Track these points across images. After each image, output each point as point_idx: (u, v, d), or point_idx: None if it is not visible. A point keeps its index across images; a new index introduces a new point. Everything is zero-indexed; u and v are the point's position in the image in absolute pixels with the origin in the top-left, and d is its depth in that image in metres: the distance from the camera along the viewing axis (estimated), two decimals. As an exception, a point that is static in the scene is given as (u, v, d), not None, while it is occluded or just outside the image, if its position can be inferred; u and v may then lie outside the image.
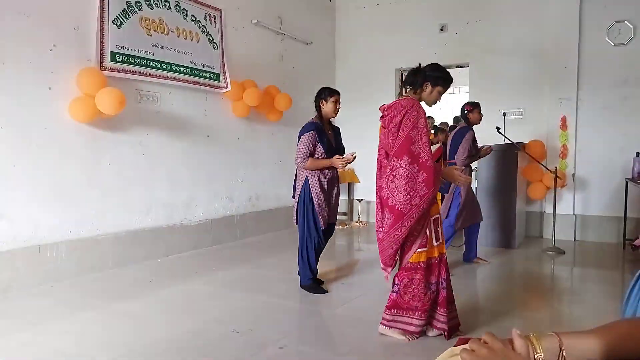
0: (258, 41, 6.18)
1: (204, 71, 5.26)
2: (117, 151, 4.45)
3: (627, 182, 5.53)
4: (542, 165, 5.71)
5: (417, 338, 2.82)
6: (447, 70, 2.93)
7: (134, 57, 4.50)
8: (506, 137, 5.61)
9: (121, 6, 4.38)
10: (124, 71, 4.41)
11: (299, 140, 3.74)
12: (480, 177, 5.69)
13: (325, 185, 3.74)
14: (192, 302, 3.53)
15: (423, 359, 2.53)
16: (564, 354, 0.87)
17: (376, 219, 2.85)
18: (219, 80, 5.45)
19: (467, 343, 0.89)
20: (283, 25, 6.57)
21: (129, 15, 4.45)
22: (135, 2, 4.51)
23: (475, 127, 6.66)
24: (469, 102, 4.84)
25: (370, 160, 7.84)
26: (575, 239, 6.08)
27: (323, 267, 4.68)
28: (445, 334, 2.80)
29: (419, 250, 2.74)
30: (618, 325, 0.91)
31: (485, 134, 6.25)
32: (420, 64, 2.90)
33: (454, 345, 0.96)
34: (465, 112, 4.70)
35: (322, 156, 3.69)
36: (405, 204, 2.63)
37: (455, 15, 6.84)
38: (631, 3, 5.78)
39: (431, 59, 7.29)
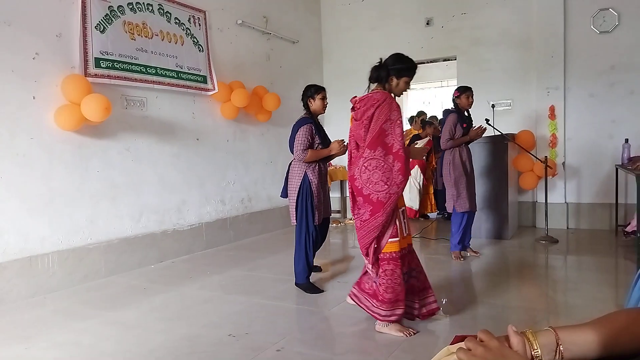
0: (244, 41, 6.14)
1: (190, 74, 5.22)
2: (105, 158, 4.40)
3: (617, 169, 5.56)
4: (532, 155, 5.73)
5: (414, 334, 2.83)
6: (410, 58, 2.96)
7: (119, 62, 4.45)
8: (495, 129, 5.62)
9: (104, 11, 4.33)
10: (109, 77, 4.36)
11: (294, 135, 3.77)
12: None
13: (322, 180, 3.80)
14: (187, 307, 3.50)
15: (421, 357, 2.52)
16: (561, 349, 0.86)
17: (351, 208, 2.96)
18: (206, 83, 5.41)
19: (463, 341, 0.88)
20: (269, 24, 6.53)
21: (111, 20, 4.40)
22: (118, 7, 4.46)
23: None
24: (457, 87, 4.83)
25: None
26: (567, 227, 6.11)
27: (319, 265, 4.66)
28: (421, 317, 2.95)
29: (391, 240, 2.82)
30: (615, 318, 0.90)
31: (475, 126, 6.27)
32: (381, 59, 2.94)
33: (450, 344, 0.95)
34: (454, 97, 4.72)
35: (319, 147, 3.79)
36: (385, 194, 2.74)
37: (440, 8, 6.84)
38: (615, -10, 5.81)
39: (418, 53, 7.35)
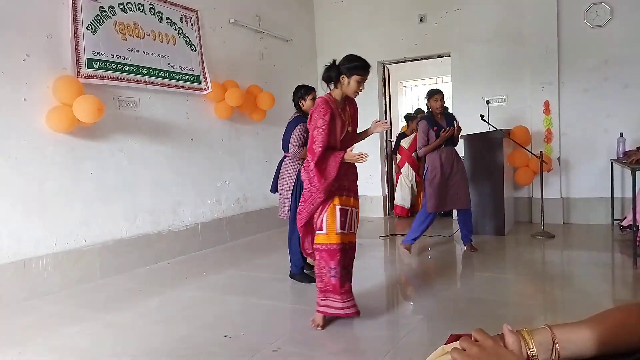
0: (237, 40, 6.11)
1: (183, 74, 5.19)
2: (98, 159, 4.37)
3: (612, 163, 5.57)
4: (528, 150, 5.72)
5: (319, 329, 2.93)
6: (362, 57, 2.97)
7: (111, 62, 4.42)
8: (490, 124, 5.63)
9: (94, 12, 4.29)
10: (101, 77, 4.32)
11: (289, 133, 3.98)
12: (467, 166, 5.68)
13: None
14: (183, 308, 3.48)
15: (416, 356, 2.51)
16: (558, 347, 0.84)
17: None
18: (199, 82, 5.38)
19: (457, 340, 0.86)
20: (262, 23, 6.50)
21: (102, 20, 4.36)
22: (109, 7, 4.42)
23: (459, 116, 6.66)
24: (428, 90, 4.90)
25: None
26: (563, 222, 6.11)
27: (313, 264, 4.65)
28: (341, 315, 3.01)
29: (317, 232, 2.98)
30: (611, 315, 0.89)
31: (469, 122, 6.26)
32: (334, 60, 3.01)
33: (445, 343, 0.94)
34: (426, 101, 4.83)
35: None
36: (307, 192, 2.98)
37: (434, 5, 6.83)
38: (607, -16, 5.81)
39: (412, 50, 7.34)
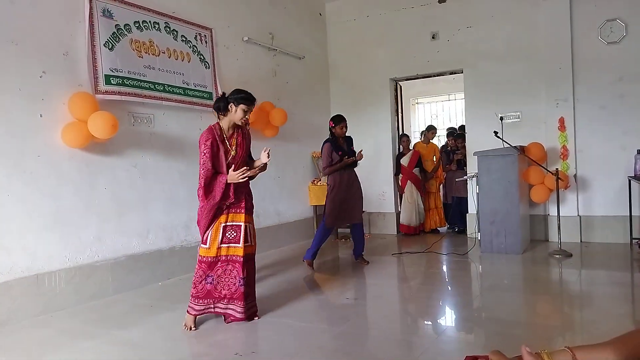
0: (250, 58, 6.17)
1: (197, 90, 5.24)
2: (112, 175, 4.40)
3: (629, 180, 5.47)
4: (543, 167, 5.65)
5: (192, 330, 3.27)
6: (247, 91, 3.39)
7: (128, 79, 4.48)
8: (505, 141, 5.58)
9: (111, 30, 4.37)
10: (119, 93, 4.38)
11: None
12: (481, 183, 5.63)
13: None
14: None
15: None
16: (580, 370, 0.81)
17: None
18: (212, 99, 5.42)
19: (475, 362, 0.83)
20: (275, 40, 6.57)
21: (119, 38, 4.44)
22: (125, 25, 4.50)
23: (474, 132, 6.64)
24: (332, 117, 5.17)
25: (368, 171, 7.81)
26: (581, 241, 5.99)
27: (327, 280, 4.61)
28: (245, 319, 3.35)
29: (201, 246, 3.35)
30: (635, 337, 0.85)
31: (483, 139, 6.23)
32: (224, 93, 3.41)
33: (462, 365, 0.91)
34: (330, 127, 5.11)
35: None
36: (200, 217, 3.37)
37: (446, 22, 6.84)
38: (621, 1, 5.77)
39: (424, 67, 7.36)
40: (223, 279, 3.35)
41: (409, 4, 7.09)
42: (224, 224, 3.33)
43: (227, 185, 3.26)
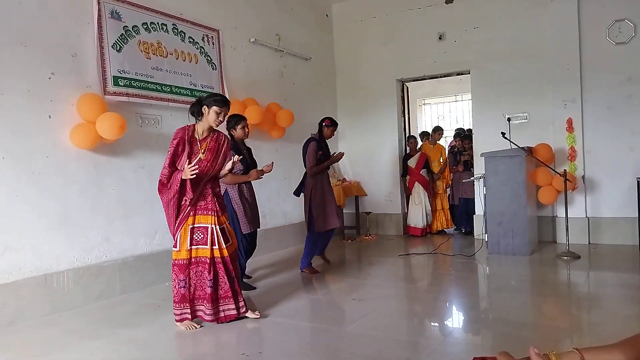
0: (257, 59, 6.19)
1: (204, 92, 5.25)
2: (120, 176, 4.42)
3: (638, 181, 5.43)
4: (551, 168, 5.62)
5: (195, 328, 3.29)
6: (220, 94, 3.57)
7: (136, 80, 4.51)
8: (512, 142, 5.55)
9: (119, 31, 4.40)
10: (127, 95, 4.41)
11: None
12: (488, 184, 5.60)
13: (243, 197, 4.44)
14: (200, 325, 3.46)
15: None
16: (589, 371, 0.80)
17: None
18: (220, 100, 5.44)
19: (482, 363, 0.83)
20: (281, 42, 6.58)
21: (127, 39, 4.46)
22: (133, 27, 4.52)
23: (481, 133, 6.62)
24: (327, 117, 5.12)
25: (375, 172, 7.80)
26: (589, 243, 5.95)
27: (334, 281, 4.61)
28: (217, 321, 3.37)
29: (173, 249, 3.36)
30: (645, 338, 0.84)
31: (490, 140, 6.20)
32: (199, 97, 3.48)
33: (469, 365, 0.90)
34: (322, 125, 5.05)
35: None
36: (165, 206, 3.43)
37: (452, 23, 6.83)
38: (630, 1, 5.73)
39: (431, 68, 7.34)
40: (194, 281, 3.36)
41: (415, 5, 7.08)
42: (191, 226, 3.35)
43: (184, 181, 3.23)
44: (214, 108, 3.34)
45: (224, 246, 3.37)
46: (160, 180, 3.32)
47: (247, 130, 4.40)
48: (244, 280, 4.44)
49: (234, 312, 3.38)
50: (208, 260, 3.33)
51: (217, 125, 3.43)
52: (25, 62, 3.74)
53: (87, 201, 4.14)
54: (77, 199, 4.07)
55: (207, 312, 3.32)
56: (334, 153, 5.07)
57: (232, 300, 3.37)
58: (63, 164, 3.97)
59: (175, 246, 3.35)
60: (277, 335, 3.20)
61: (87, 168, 4.16)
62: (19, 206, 3.67)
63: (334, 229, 5.10)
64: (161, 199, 3.38)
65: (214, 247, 3.34)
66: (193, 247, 3.34)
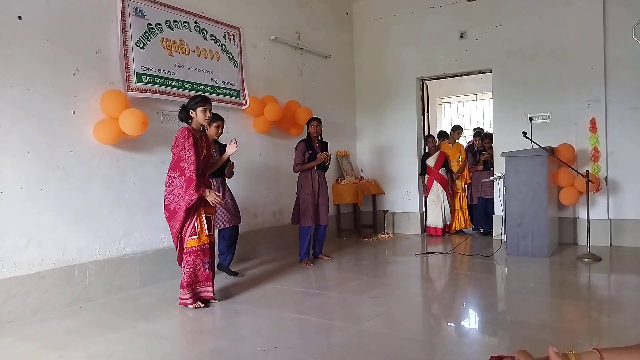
0: (277, 57, 6.22)
1: (225, 89, 5.31)
2: (141, 171, 4.49)
3: (663, 184, 5.31)
4: (573, 169, 5.53)
5: (200, 307, 3.67)
6: (201, 94, 3.80)
7: (158, 77, 4.57)
8: (533, 142, 5.48)
9: (143, 29, 4.46)
10: (150, 91, 4.48)
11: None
12: (508, 184, 5.54)
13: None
14: (218, 320, 3.51)
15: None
16: (607, 372, 0.80)
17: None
18: (239, 97, 5.49)
19: (499, 362, 0.83)
20: (301, 40, 6.59)
21: (150, 37, 4.53)
22: (156, 24, 4.59)
23: (501, 133, 6.56)
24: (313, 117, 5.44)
25: (393, 171, 7.77)
26: (611, 245, 5.85)
27: (350, 279, 4.61)
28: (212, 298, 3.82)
29: (190, 237, 3.66)
30: (666, 340, 0.83)
31: (511, 139, 6.13)
32: (184, 104, 3.76)
33: (486, 364, 0.91)
34: (306, 126, 5.39)
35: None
36: (176, 205, 3.62)
37: (474, 21, 6.76)
38: (658, -1, 5.61)
39: (452, 66, 7.29)
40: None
41: (437, 3, 7.03)
42: (204, 215, 3.72)
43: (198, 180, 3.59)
44: (199, 109, 3.68)
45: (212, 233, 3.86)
46: (190, 177, 3.55)
47: (220, 130, 4.52)
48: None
49: (211, 294, 3.81)
50: (208, 246, 3.76)
51: (208, 120, 3.76)
52: (51, 59, 3.83)
53: (109, 195, 4.22)
54: (100, 193, 4.15)
55: (209, 289, 3.78)
56: (318, 154, 5.25)
57: (212, 282, 3.81)
58: (86, 159, 4.05)
59: (193, 234, 3.66)
60: (294, 330, 3.22)
61: (110, 163, 4.24)
62: (43, 199, 3.76)
63: (325, 226, 5.42)
64: (183, 194, 3.58)
65: (210, 233, 3.79)
66: (210, 233, 3.77)
